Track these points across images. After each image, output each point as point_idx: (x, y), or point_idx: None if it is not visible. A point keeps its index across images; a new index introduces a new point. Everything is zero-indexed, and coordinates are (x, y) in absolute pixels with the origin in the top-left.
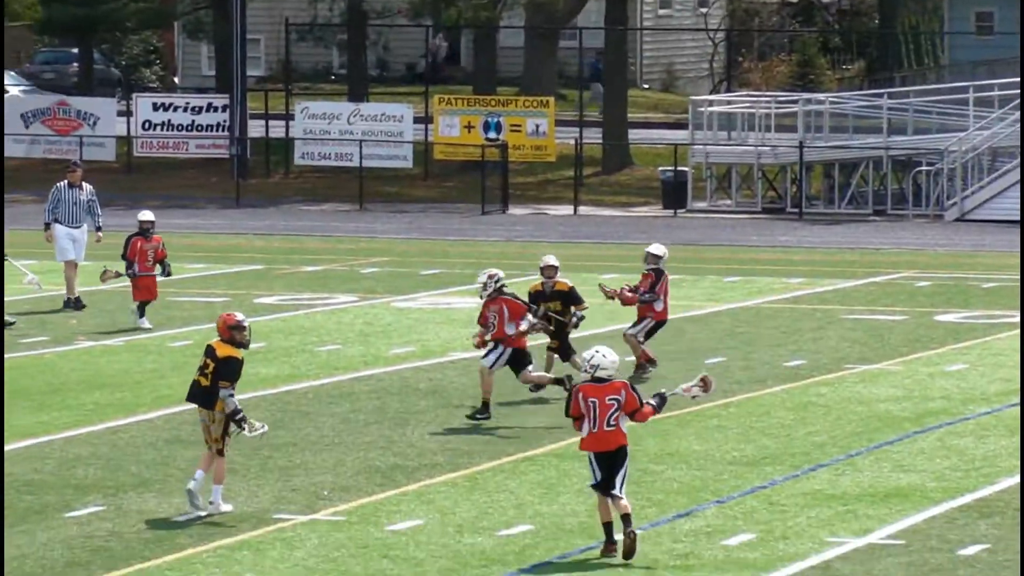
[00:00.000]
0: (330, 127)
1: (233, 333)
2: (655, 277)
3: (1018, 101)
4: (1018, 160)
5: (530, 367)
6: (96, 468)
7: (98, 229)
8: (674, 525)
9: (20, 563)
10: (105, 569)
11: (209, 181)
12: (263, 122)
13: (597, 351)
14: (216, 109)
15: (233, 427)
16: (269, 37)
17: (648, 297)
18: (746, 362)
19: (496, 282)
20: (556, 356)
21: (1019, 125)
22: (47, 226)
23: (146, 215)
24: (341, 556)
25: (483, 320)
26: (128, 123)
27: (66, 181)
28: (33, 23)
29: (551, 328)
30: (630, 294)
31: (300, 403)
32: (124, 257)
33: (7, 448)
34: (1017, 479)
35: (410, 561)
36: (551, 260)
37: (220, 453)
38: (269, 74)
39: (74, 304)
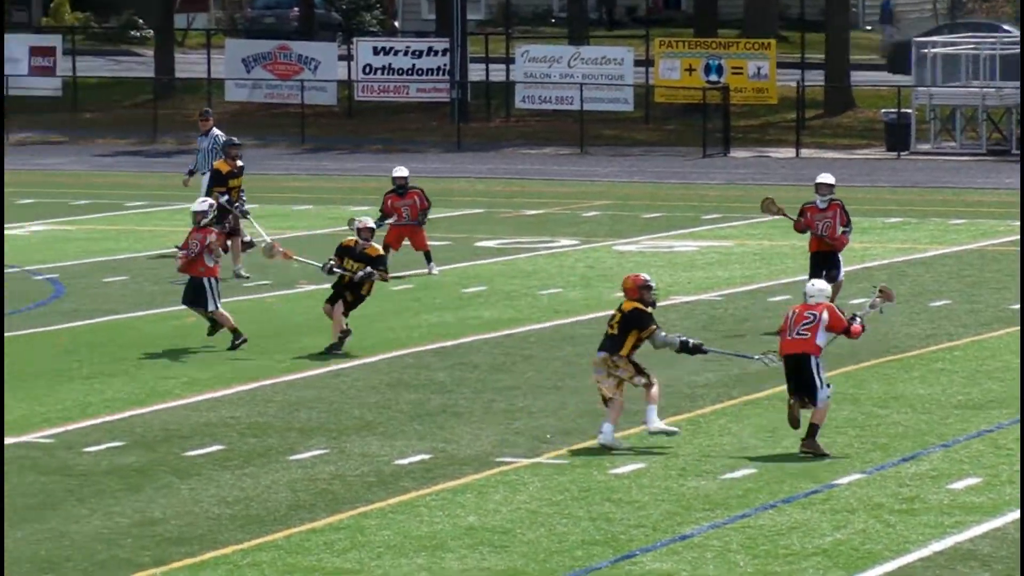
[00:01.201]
0: (550, 71)
1: (642, 292)
2: (842, 206)
3: None
4: None
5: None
6: (319, 411)
7: (204, 174)
8: (899, 469)
9: (245, 506)
10: (329, 512)
11: (429, 125)
12: (483, 66)
13: (812, 283)
14: (436, 53)
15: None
16: None
17: (848, 229)
18: (971, 305)
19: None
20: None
21: None
22: (190, 173)
23: (400, 171)
24: (564, 499)
25: (187, 245)
26: (349, 67)
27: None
28: None
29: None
30: (837, 237)
31: (522, 347)
32: (380, 211)
33: (230, 391)
34: None
35: (633, 504)
36: (369, 222)
37: (648, 386)
38: (489, 18)
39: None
